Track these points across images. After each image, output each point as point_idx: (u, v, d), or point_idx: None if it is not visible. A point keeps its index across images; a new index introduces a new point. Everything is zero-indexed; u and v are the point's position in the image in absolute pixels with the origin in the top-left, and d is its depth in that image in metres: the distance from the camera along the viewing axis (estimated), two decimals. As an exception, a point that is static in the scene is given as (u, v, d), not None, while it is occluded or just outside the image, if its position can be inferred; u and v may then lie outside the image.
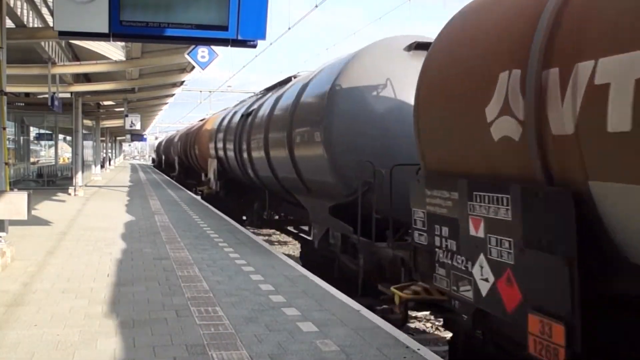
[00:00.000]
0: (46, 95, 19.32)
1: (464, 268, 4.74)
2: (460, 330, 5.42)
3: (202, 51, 13.83)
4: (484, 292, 4.47)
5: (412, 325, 8.62)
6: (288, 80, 14.23)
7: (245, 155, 14.92)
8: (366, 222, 7.77)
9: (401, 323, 6.37)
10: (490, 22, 4.71)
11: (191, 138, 29.59)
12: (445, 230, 5.00)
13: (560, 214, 3.65)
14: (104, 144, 52.09)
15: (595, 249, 3.65)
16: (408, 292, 6.01)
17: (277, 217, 17.46)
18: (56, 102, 18.92)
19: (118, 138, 72.95)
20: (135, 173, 47.11)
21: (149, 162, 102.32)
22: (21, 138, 32.71)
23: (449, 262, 4.95)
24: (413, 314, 9.17)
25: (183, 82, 23.07)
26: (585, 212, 3.56)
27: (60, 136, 41.12)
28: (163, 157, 54.64)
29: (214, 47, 13.51)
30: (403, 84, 8.26)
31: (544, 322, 3.80)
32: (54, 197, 21.16)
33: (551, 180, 3.85)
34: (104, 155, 52.56)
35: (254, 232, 15.18)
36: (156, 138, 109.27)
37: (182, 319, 5.96)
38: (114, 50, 19.12)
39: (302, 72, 14.06)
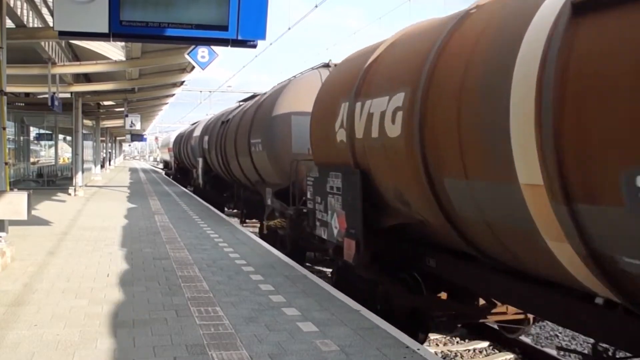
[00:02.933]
0: (46, 95, 19.31)
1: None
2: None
3: (202, 51, 13.83)
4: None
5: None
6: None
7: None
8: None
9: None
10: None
11: None
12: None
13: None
14: (104, 144, 52.10)
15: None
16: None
17: None
18: (56, 102, 18.91)
19: (118, 138, 72.99)
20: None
21: (151, 164, 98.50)
22: (21, 138, 32.73)
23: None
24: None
25: (183, 82, 23.07)
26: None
27: (60, 136, 41.17)
28: (201, 164, 23.71)
29: (214, 47, 13.51)
30: None
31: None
32: (54, 197, 21.16)
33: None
34: (104, 155, 52.55)
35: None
36: (156, 139, 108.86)
37: (182, 319, 5.96)
38: (114, 50, 19.12)
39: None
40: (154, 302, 6.60)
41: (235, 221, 15.80)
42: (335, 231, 7.65)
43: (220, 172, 20.38)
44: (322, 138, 8.14)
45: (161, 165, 77.57)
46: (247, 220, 19.02)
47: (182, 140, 34.74)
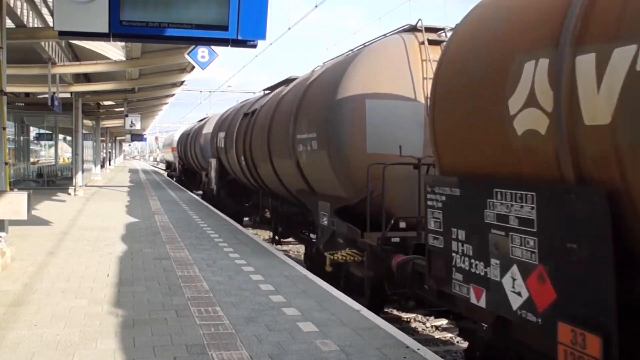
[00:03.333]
0: (46, 95, 19.32)
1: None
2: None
3: (202, 51, 13.82)
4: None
5: (412, 325, 8.61)
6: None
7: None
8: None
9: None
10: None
11: None
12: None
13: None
14: (104, 144, 52.09)
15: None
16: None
17: None
18: (56, 102, 18.92)
19: (118, 138, 72.97)
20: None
21: (151, 164, 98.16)
22: (21, 138, 32.75)
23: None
24: (412, 313, 9.18)
25: (183, 82, 23.07)
26: (622, 212, 3.33)
27: (60, 136, 41.18)
28: (215, 166, 20.11)
29: (214, 47, 13.51)
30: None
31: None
32: (54, 197, 21.15)
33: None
34: (104, 155, 52.51)
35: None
36: (156, 139, 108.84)
37: (182, 319, 5.95)
38: (114, 50, 19.12)
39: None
40: (154, 302, 6.59)
41: (254, 234, 13.68)
42: (518, 300, 4.08)
43: (241, 176, 16.15)
44: (467, 127, 4.69)
45: (162, 166, 73.93)
46: (282, 240, 14.88)
47: (189, 139, 30.40)
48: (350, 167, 8.07)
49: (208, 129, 23.47)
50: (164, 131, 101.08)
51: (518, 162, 4.12)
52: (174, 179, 38.37)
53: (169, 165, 51.09)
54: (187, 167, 32.96)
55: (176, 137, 42.24)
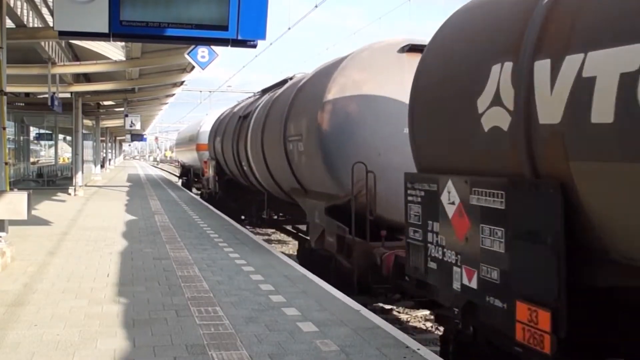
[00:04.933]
0: (46, 95, 19.33)
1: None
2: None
3: (202, 51, 13.83)
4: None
5: (412, 324, 8.61)
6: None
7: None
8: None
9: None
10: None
11: None
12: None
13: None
14: (104, 144, 52.09)
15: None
16: None
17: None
18: (56, 102, 18.92)
19: (118, 138, 72.99)
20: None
21: (151, 164, 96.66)
22: (21, 138, 32.76)
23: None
24: (412, 313, 9.17)
25: (183, 82, 23.08)
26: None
27: (60, 136, 41.21)
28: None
29: (214, 47, 13.51)
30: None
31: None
32: (54, 197, 21.16)
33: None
34: (104, 155, 52.50)
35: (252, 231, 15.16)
36: (156, 139, 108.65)
37: (182, 318, 5.95)
38: (114, 50, 19.13)
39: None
40: (154, 302, 6.59)
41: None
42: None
43: None
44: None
45: (163, 166, 66.85)
46: None
47: (242, 126, 14.97)
48: None
49: (346, 87, 8.65)
50: (164, 131, 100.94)
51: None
52: (192, 188, 27.58)
53: (185, 172, 35.09)
54: (228, 179, 19.22)
55: (206, 127, 26.29)
